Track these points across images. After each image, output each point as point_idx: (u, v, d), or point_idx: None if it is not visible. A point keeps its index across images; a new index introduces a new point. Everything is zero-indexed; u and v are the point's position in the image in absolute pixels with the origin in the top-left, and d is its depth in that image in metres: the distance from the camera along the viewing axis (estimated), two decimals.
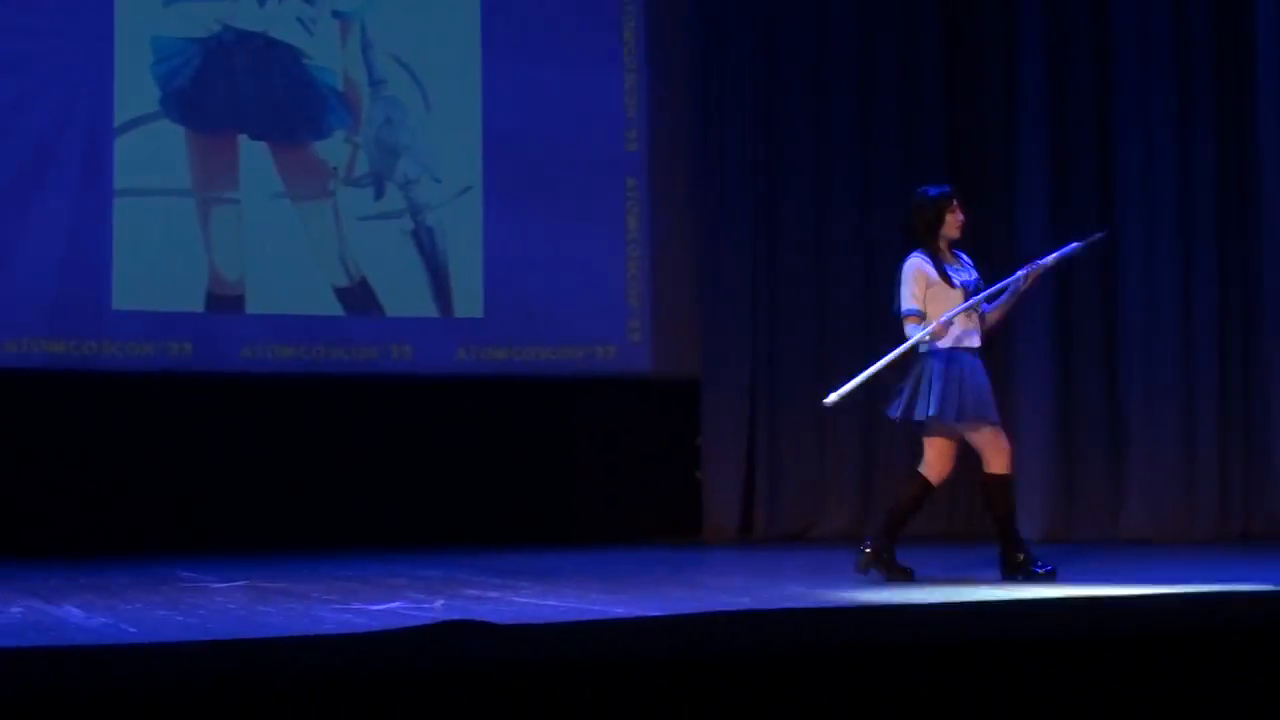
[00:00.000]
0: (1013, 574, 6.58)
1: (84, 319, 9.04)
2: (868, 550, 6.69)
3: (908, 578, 6.62)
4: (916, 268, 6.74)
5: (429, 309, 9.75)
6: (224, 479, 9.15)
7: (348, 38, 9.71)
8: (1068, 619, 4.14)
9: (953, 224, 6.78)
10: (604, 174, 10.06)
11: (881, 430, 10.11)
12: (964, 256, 6.89)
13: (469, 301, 9.79)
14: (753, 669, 3.44)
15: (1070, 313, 9.74)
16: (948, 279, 6.69)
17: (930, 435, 6.80)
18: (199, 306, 9.31)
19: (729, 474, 9.96)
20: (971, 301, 6.66)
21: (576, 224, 9.96)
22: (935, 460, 6.81)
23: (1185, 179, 9.71)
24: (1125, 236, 9.69)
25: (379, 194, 9.72)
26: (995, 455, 6.74)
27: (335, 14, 9.68)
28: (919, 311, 6.71)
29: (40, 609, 5.55)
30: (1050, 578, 6.52)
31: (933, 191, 6.88)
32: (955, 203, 6.79)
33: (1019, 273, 6.81)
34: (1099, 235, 7.09)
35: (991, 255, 9.73)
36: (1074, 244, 6.96)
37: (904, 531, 6.84)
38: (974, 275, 6.80)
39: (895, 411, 6.83)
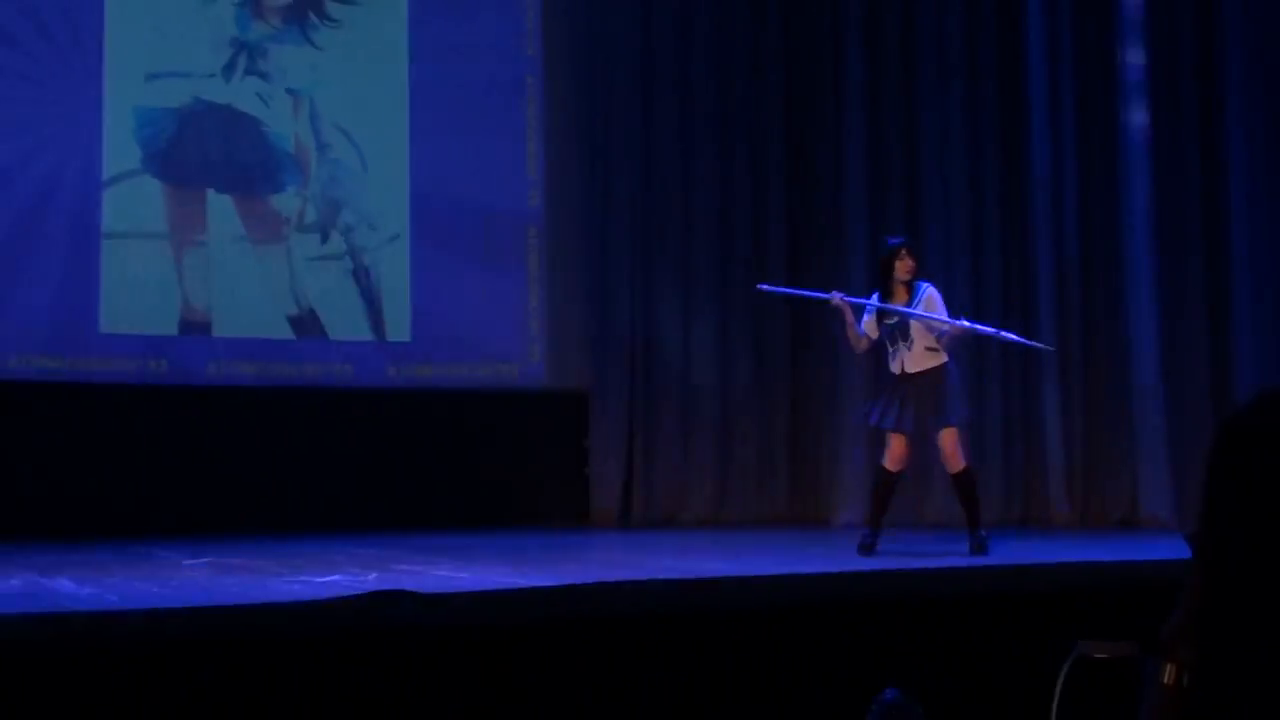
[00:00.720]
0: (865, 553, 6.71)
1: (76, 339, 8.86)
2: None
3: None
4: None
5: (365, 334, 9.67)
6: (194, 473, 8.99)
7: (299, 110, 9.62)
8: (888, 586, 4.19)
9: (902, 269, 6.92)
10: (510, 224, 10.04)
11: (734, 434, 10.20)
12: (922, 289, 6.96)
13: (399, 327, 9.72)
14: (633, 628, 3.45)
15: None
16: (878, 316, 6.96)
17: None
18: (173, 330, 9.16)
19: (611, 470, 9.96)
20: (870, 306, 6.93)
21: (487, 264, 9.92)
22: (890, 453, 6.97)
23: (977, 195, 9.87)
24: (930, 252, 9.84)
25: (324, 239, 9.63)
26: (888, 454, 6.89)
27: (288, 90, 9.58)
28: (864, 333, 7.03)
29: (36, 581, 5.44)
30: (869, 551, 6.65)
31: (890, 243, 7.10)
32: (905, 251, 6.93)
33: (945, 318, 6.96)
34: (1027, 343, 7.29)
35: (824, 261, 9.99)
36: (1009, 335, 7.20)
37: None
38: (912, 308, 6.87)
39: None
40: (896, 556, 6.57)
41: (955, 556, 6.54)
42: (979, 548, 6.70)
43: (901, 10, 10.13)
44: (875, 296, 7.00)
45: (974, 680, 3.56)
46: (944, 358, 6.86)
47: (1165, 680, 1.33)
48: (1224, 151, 9.00)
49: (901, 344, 6.85)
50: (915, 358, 6.83)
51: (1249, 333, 8.81)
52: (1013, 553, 6.90)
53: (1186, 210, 9.14)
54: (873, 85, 10.13)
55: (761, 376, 10.29)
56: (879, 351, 7.22)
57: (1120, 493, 9.23)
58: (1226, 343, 8.97)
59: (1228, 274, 8.95)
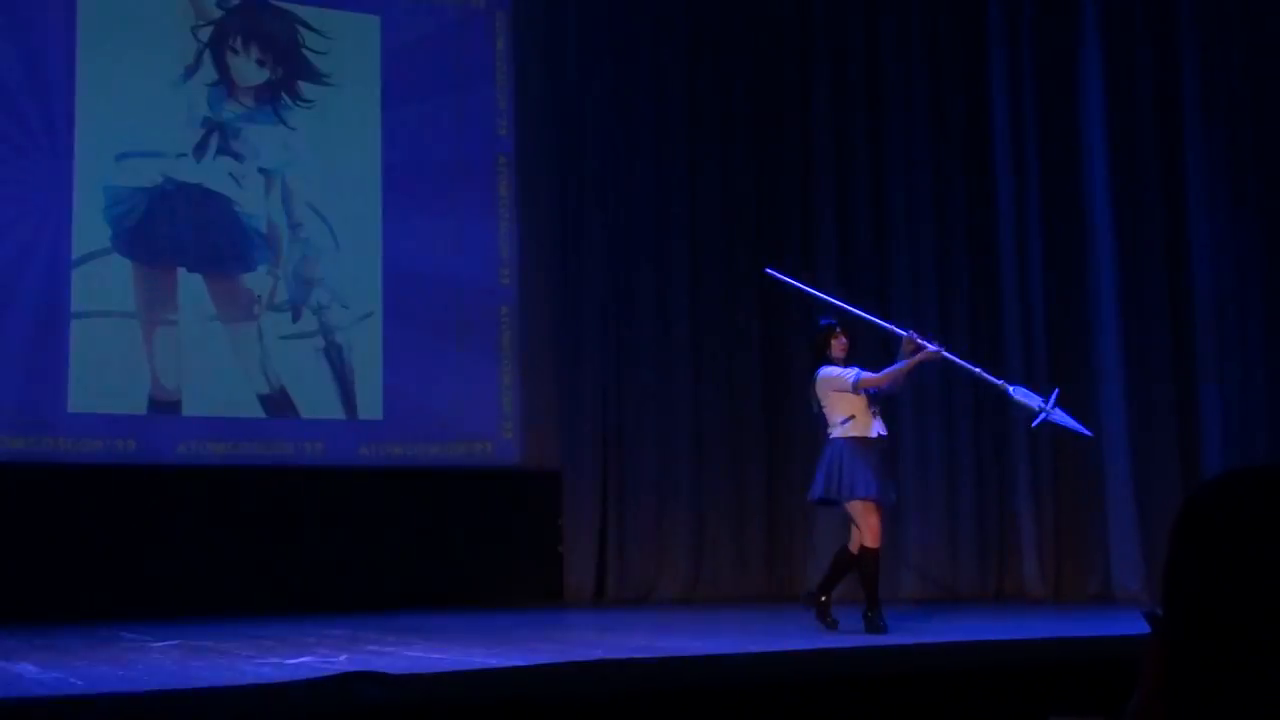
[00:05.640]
0: (870, 629, 6.65)
1: (44, 419, 8.81)
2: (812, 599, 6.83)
3: (834, 627, 6.72)
4: (832, 370, 6.90)
5: (337, 412, 9.65)
6: (163, 554, 8.92)
7: (271, 190, 9.66)
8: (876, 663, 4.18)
9: (837, 348, 6.91)
10: (482, 302, 10.07)
11: (709, 511, 10.19)
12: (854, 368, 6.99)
13: (370, 406, 9.71)
14: (604, 709, 3.43)
15: None
16: None
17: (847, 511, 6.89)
18: (142, 409, 9.13)
19: (585, 547, 9.93)
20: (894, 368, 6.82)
21: (459, 343, 9.95)
22: (855, 535, 6.86)
23: (943, 274, 9.95)
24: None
25: (296, 317, 9.64)
26: (865, 530, 6.78)
27: (261, 170, 9.63)
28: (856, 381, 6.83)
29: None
30: (883, 630, 6.60)
31: (823, 323, 7.09)
32: (838, 330, 6.94)
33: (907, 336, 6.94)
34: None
35: (795, 344, 9.99)
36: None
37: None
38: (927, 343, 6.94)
39: (809, 494, 7.00)
40: (867, 634, 6.55)
41: (929, 633, 6.53)
42: (880, 626, 6.67)
43: (866, 88, 10.28)
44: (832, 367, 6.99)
45: None
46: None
47: None
48: (1187, 214, 9.07)
49: (876, 406, 6.90)
50: (881, 422, 6.91)
51: (1216, 406, 8.87)
52: (987, 628, 6.89)
53: (1151, 285, 9.23)
54: (841, 176, 10.27)
55: (736, 452, 10.31)
56: (819, 424, 7.14)
57: (1093, 568, 9.24)
58: (1194, 418, 9.03)
59: (1193, 347, 9.03)
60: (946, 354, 6.97)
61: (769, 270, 7.45)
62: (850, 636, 6.41)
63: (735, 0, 10.71)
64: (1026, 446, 9.31)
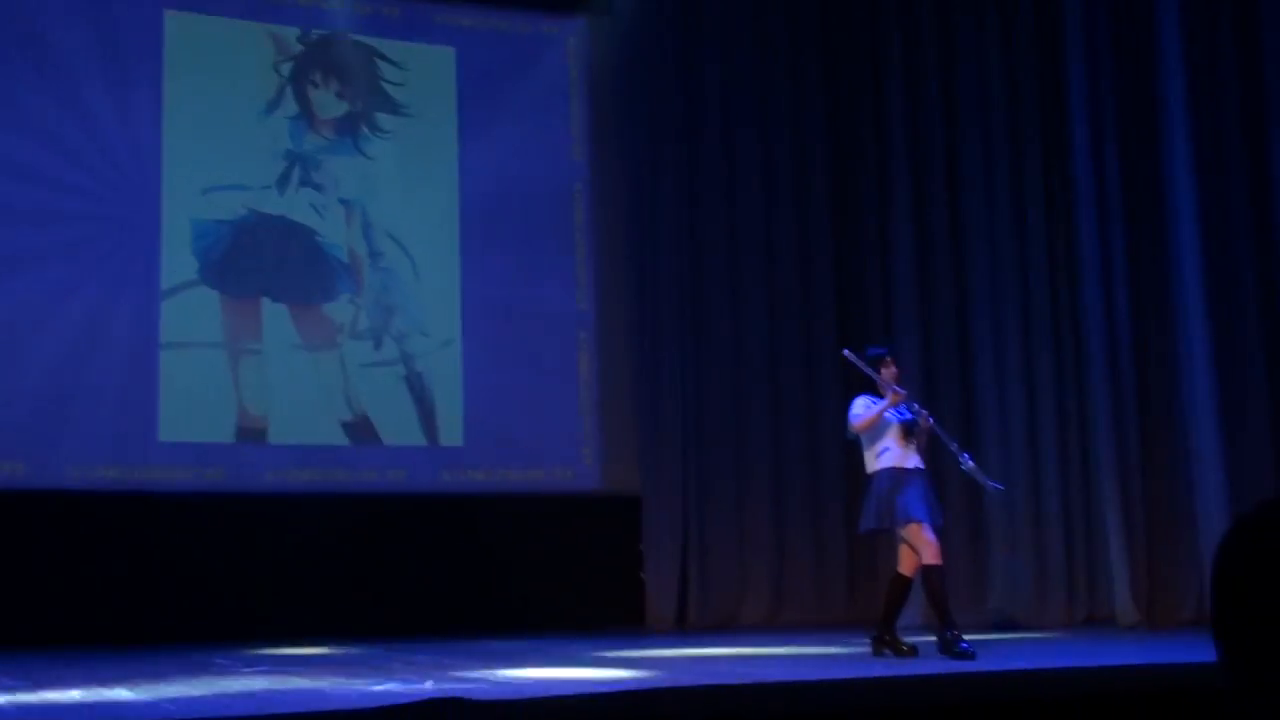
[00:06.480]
0: (945, 652, 6.55)
1: (135, 449, 8.98)
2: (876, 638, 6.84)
3: (913, 654, 6.66)
4: (860, 402, 6.97)
5: (419, 439, 9.74)
6: (253, 581, 9.04)
7: (352, 220, 9.79)
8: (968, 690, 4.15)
9: (888, 375, 6.92)
10: (559, 328, 10.12)
11: (788, 538, 10.13)
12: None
13: (451, 433, 9.78)
14: None
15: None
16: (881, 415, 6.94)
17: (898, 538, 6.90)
18: (230, 438, 9.26)
19: (666, 573, 9.91)
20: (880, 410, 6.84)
21: (538, 369, 10.00)
22: (905, 557, 6.84)
23: (1026, 313, 9.83)
24: (979, 359, 9.77)
25: (377, 345, 9.74)
26: (924, 549, 6.73)
27: (342, 201, 9.76)
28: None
29: (96, 691, 5.45)
30: (970, 656, 6.45)
31: (871, 352, 7.11)
32: (888, 358, 6.97)
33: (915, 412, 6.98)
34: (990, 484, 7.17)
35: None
36: (964, 457, 7.05)
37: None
38: (905, 414, 6.89)
39: (860, 527, 7.04)
40: (946, 656, 6.46)
41: (1018, 660, 6.43)
42: (961, 651, 6.53)
43: (943, 94, 10.23)
44: (868, 399, 6.99)
45: None
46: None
47: None
48: (1275, 215, 8.84)
49: (913, 440, 6.89)
50: (919, 455, 6.93)
51: None
52: (1078, 654, 6.78)
53: (1242, 299, 9.00)
54: (917, 186, 10.22)
55: (815, 478, 10.25)
56: (857, 449, 7.12)
57: (1187, 593, 9.02)
58: None
59: None
60: (920, 416, 6.97)
61: (846, 352, 7.42)
62: (935, 662, 6.33)
63: (806, 19, 10.71)
64: (1114, 467, 9.11)
